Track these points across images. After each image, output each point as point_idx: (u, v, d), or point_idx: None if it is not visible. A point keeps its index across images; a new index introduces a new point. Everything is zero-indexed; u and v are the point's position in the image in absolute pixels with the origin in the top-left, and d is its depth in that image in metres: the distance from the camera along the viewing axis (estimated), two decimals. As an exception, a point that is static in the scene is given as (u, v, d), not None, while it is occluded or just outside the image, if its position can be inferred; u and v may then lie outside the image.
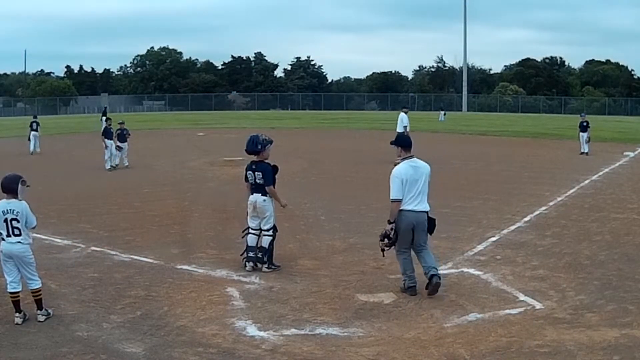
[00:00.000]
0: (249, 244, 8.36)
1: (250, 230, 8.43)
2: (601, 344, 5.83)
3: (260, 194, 8.28)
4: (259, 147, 8.32)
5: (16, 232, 6.36)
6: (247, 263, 8.32)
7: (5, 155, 24.58)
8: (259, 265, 8.32)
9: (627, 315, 6.57)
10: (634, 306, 6.85)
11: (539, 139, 34.96)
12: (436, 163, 21.80)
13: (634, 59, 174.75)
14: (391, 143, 7.68)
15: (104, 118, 35.71)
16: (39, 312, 6.48)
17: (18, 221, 6.36)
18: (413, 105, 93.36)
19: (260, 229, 8.38)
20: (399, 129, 21.72)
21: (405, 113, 22.43)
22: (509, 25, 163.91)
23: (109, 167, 19.98)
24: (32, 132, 27.11)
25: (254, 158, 8.42)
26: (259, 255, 8.31)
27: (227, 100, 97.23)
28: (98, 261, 8.81)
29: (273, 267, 8.32)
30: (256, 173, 8.27)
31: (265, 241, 8.33)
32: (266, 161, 8.36)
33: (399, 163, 7.43)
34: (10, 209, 6.36)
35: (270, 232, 8.37)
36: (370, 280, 7.86)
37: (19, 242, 6.36)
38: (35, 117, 29.15)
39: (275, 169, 8.41)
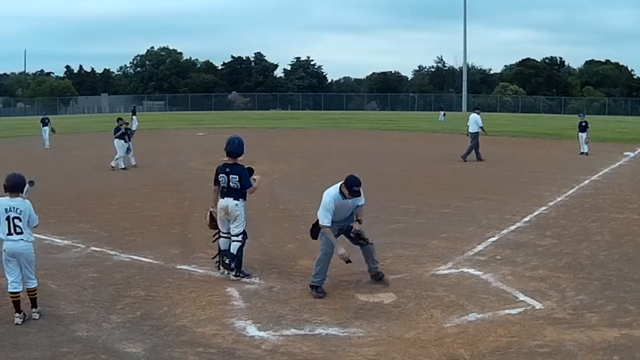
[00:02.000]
0: (222, 248, 8.01)
1: (222, 234, 8.03)
2: (601, 344, 5.83)
3: (232, 198, 7.82)
4: (243, 149, 8.03)
5: (17, 230, 6.37)
6: (220, 266, 8.03)
7: (6, 155, 24.58)
8: (227, 272, 7.92)
9: (627, 315, 6.57)
10: (634, 306, 6.85)
11: (539, 139, 34.95)
12: (436, 163, 21.97)
13: (634, 59, 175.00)
14: (357, 192, 7.32)
15: (134, 117, 36.36)
16: (34, 310, 6.51)
17: (20, 220, 6.38)
18: (413, 106, 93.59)
19: (229, 233, 7.98)
20: (472, 129, 22.62)
21: (478, 114, 23.35)
22: (509, 25, 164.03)
23: (123, 166, 19.97)
24: (43, 128, 29.23)
25: (227, 160, 8.02)
26: (226, 261, 7.90)
27: (227, 100, 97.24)
28: (98, 261, 8.80)
29: (241, 275, 7.89)
30: (231, 176, 7.83)
31: (234, 247, 7.88)
32: (240, 163, 7.99)
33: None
34: (13, 207, 6.38)
35: (240, 238, 7.91)
36: (370, 280, 7.85)
37: (22, 239, 6.38)
38: (44, 114, 31.78)
39: (250, 171, 7.99)
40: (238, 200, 7.85)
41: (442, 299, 7.16)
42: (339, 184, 7.43)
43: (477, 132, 22.58)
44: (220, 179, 7.95)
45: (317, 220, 7.47)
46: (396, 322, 6.48)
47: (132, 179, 17.90)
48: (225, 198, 7.88)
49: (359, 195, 7.40)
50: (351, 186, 7.25)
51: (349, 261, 7.34)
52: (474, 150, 22.35)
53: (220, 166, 8.04)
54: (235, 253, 7.87)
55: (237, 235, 7.91)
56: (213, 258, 8.25)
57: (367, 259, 7.74)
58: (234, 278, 7.84)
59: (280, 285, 7.66)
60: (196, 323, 6.42)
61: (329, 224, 7.29)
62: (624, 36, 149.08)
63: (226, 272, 7.96)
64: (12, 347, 5.80)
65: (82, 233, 10.55)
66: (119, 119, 21.19)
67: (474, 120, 22.75)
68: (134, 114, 40.51)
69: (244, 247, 8.00)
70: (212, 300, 7.12)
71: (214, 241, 8.23)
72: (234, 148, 7.98)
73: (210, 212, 8.16)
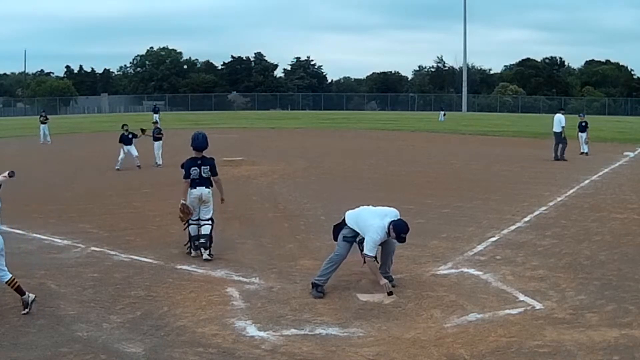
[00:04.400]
0: (193, 234, 8.93)
1: (192, 222, 8.94)
2: (601, 344, 5.83)
3: (204, 187, 8.87)
4: (207, 142, 8.98)
5: None
6: (192, 250, 8.92)
7: (6, 155, 24.56)
8: (202, 250, 8.76)
9: (627, 315, 6.57)
10: (634, 306, 6.85)
11: (539, 139, 34.91)
12: (436, 163, 21.98)
13: (634, 59, 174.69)
14: (403, 239, 7.26)
15: (156, 116, 36.60)
16: (23, 297, 6.54)
17: None
18: (413, 106, 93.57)
19: (199, 219, 8.92)
20: (556, 129, 23.32)
21: (562, 114, 23.95)
22: (509, 26, 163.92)
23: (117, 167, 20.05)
24: (42, 125, 30.81)
25: (194, 154, 8.96)
26: (202, 241, 8.80)
27: (227, 100, 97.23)
28: (98, 261, 8.80)
29: (212, 255, 8.75)
30: (202, 168, 8.84)
31: (207, 229, 8.84)
32: (208, 156, 9.01)
33: None
34: None
35: (210, 222, 8.91)
36: (370, 280, 7.84)
37: None
38: (43, 111, 33.79)
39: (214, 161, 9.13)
40: (209, 188, 8.93)
41: (442, 299, 7.16)
42: (386, 221, 7.20)
43: (560, 132, 23.11)
44: (192, 172, 8.84)
45: (339, 222, 7.66)
46: (396, 322, 6.48)
47: (132, 179, 17.90)
48: (198, 187, 8.85)
49: (404, 241, 7.37)
50: (399, 233, 7.16)
51: (391, 293, 7.07)
52: (558, 150, 22.77)
53: (189, 160, 8.95)
54: (209, 234, 8.80)
55: (208, 220, 8.90)
56: (185, 245, 9.06)
57: (385, 261, 7.68)
58: (208, 257, 8.67)
59: (280, 285, 7.66)
60: (196, 323, 6.42)
61: (374, 255, 7.26)
62: (624, 36, 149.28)
63: (202, 251, 8.79)
64: (11, 347, 5.80)
65: (82, 233, 10.54)
66: (123, 125, 21.42)
67: (558, 121, 23.46)
68: (155, 112, 40.52)
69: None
70: (212, 300, 7.12)
71: (184, 229, 9.05)
72: (200, 143, 8.95)
73: (183, 204, 8.89)
